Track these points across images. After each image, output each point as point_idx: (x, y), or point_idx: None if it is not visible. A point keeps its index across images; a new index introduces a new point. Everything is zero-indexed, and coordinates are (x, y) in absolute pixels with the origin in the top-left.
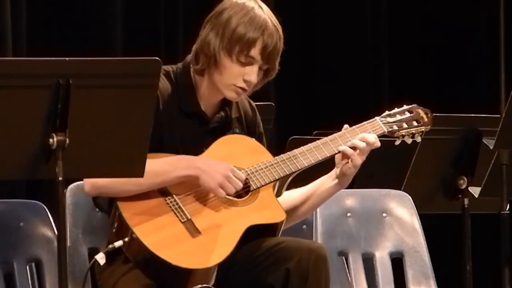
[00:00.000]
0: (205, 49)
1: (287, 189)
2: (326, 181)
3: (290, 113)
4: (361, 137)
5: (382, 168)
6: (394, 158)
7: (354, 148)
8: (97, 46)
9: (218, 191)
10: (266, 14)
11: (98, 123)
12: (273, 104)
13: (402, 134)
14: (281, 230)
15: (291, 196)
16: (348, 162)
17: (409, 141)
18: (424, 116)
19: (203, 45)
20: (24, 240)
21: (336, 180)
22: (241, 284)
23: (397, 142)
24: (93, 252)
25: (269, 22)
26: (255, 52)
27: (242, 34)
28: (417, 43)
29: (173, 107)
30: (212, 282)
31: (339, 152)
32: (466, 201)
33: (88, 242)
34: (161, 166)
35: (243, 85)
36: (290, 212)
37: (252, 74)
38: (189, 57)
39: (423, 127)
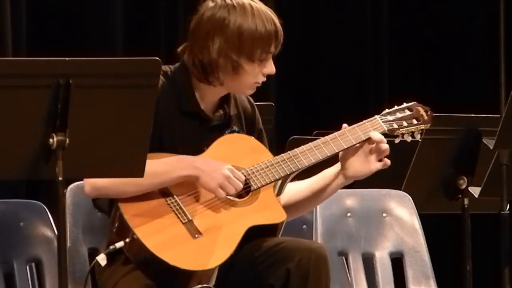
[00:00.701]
0: (221, 63)
1: (291, 181)
2: (332, 178)
3: (290, 113)
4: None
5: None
6: (394, 158)
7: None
8: (97, 46)
9: (218, 192)
10: (259, 3)
11: (98, 123)
12: (273, 104)
13: (402, 133)
14: (282, 229)
15: (297, 190)
16: (370, 164)
17: (408, 139)
18: (424, 114)
19: (218, 59)
20: (24, 240)
21: (342, 178)
22: (242, 284)
23: (397, 141)
24: (93, 252)
25: (267, 10)
26: (273, 46)
27: (260, 35)
28: (417, 43)
29: (172, 107)
30: (213, 282)
31: (344, 149)
32: (466, 201)
33: (88, 242)
34: (161, 167)
35: (263, 79)
36: (295, 206)
37: (271, 66)
38: (185, 55)
39: (423, 125)
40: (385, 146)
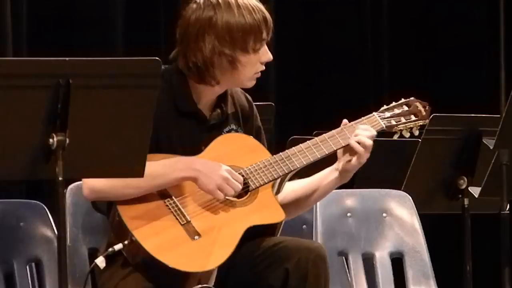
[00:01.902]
0: (216, 61)
1: (290, 180)
2: (329, 175)
3: (290, 113)
4: (365, 136)
5: (382, 168)
6: (394, 158)
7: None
8: (97, 46)
9: (216, 193)
10: None
11: (98, 123)
12: (273, 104)
13: (400, 129)
14: (281, 228)
15: (294, 188)
16: (351, 159)
17: (407, 135)
18: (422, 110)
19: (212, 58)
20: (24, 240)
21: (338, 175)
22: (241, 284)
23: (395, 137)
24: (93, 252)
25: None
26: (265, 33)
27: (249, 26)
28: (417, 43)
29: (169, 108)
30: (212, 282)
31: (342, 147)
32: (466, 201)
33: (88, 242)
34: (159, 169)
35: (262, 68)
36: (293, 204)
37: (267, 53)
38: (179, 61)
39: (421, 120)
40: (365, 140)
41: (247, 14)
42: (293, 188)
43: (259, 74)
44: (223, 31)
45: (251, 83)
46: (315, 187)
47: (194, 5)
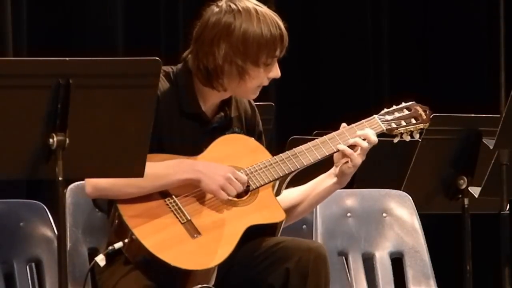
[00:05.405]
0: (226, 69)
1: (286, 188)
2: (325, 180)
3: (290, 113)
4: (363, 134)
5: (382, 168)
6: (394, 158)
7: (354, 146)
8: (97, 46)
9: (219, 194)
10: (264, 8)
11: (98, 123)
12: (273, 104)
13: (401, 132)
14: (281, 229)
15: (290, 195)
16: (347, 162)
17: (407, 138)
18: (423, 114)
19: (223, 65)
20: (24, 240)
21: (335, 179)
22: (241, 283)
23: (396, 140)
24: (93, 252)
25: (272, 14)
26: (278, 50)
27: (265, 40)
28: (417, 43)
29: (173, 108)
30: (212, 282)
31: (338, 151)
32: (466, 201)
33: (88, 242)
34: (162, 169)
35: (267, 82)
36: (289, 210)
37: (276, 70)
38: (190, 59)
39: (422, 124)
40: (361, 142)
41: (265, 28)
42: (290, 195)
43: (260, 87)
44: (238, 41)
45: (253, 96)
46: (311, 189)
47: (216, 8)
